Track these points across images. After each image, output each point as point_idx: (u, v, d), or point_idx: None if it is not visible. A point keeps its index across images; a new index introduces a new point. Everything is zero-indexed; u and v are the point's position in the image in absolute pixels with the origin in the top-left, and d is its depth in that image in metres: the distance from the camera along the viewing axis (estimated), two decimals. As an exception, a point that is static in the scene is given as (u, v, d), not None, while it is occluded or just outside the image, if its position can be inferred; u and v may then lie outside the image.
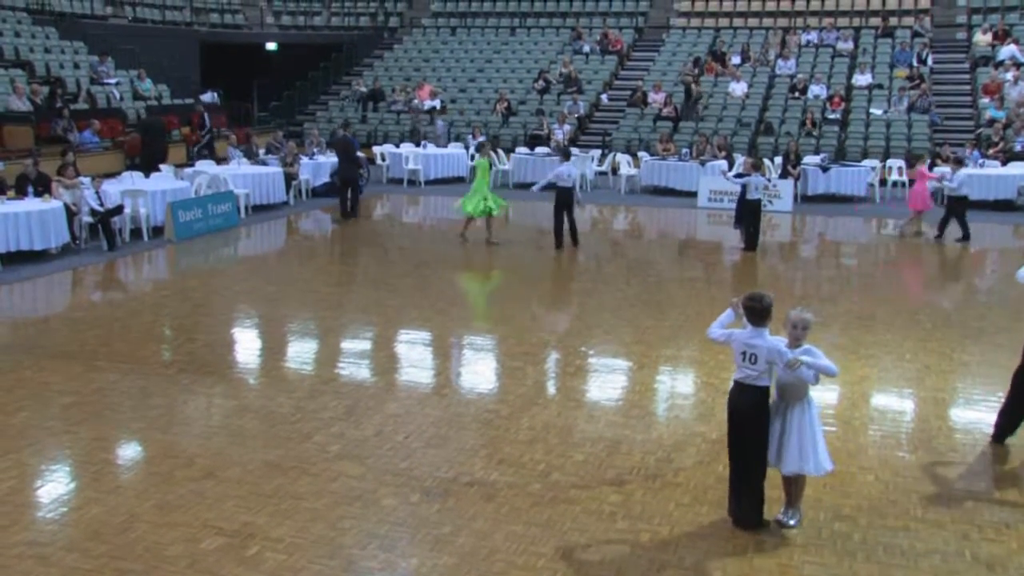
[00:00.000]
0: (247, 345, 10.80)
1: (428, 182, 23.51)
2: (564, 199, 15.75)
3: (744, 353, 6.05)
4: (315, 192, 21.52)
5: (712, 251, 16.54)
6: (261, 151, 22.28)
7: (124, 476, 7.04)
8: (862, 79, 26.35)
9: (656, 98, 26.39)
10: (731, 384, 6.26)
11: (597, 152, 24.25)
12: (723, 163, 21.38)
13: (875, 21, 29.75)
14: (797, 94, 26.15)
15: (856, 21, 29.99)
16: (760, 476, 6.15)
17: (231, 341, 10.86)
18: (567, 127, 25.51)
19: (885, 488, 6.85)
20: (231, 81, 31.66)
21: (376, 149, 24.88)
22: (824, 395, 8.68)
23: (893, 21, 29.51)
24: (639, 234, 18.78)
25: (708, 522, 6.30)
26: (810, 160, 21.91)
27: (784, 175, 20.90)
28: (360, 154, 20.31)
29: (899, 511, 6.50)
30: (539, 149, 24.05)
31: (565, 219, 15.77)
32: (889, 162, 22.56)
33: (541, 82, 28.38)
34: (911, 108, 24.83)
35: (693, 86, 26.04)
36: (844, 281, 14.02)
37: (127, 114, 23.63)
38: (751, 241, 15.51)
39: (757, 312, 6.02)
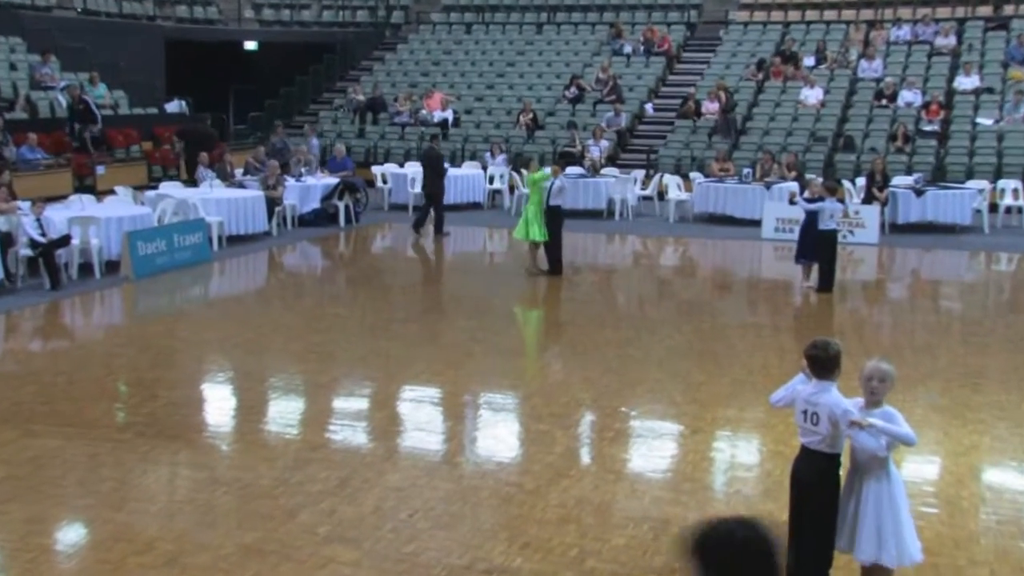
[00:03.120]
0: (219, 404, 10.83)
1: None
2: (562, 219, 16.65)
3: (805, 412, 6.04)
4: (302, 220, 21.67)
5: (780, 291, 16.50)
6: (238, 171, 22.49)
7: (65, 565, 7.04)
8: (967, 82, 26.31)
9: (711, 108, 26.52)
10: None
11: (640, 173, 24.34)
12: (793, 185, 21.39)
13: (984, 11, 29.56)
14: (884, 102, 26.18)
15: (960, 11, 29.84)
16: (824, 561, 6.11)
17: (200, 399, 10.90)
18: (604, 143, 25.64)
19: (998, 583, 6.76)
20: (202, 87, 31.99)
21: (376, 169, 25.04)
22: (921, 468, 8.61)
23: (1008, 10, 29.23)
24: (692, 271, 18.78)
25: (779, 622, 6.22)
26: (901, 182, 21.89)
27: (868, 200, 20.88)
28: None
29: (1017, 612, 6.41)
30: (571, 169, 24.07)
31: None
32: (1001, 183, 22.38)
33: (574, 89, 28.59)
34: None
35: (722, 94, 26.14)
36: (945, 329, 13.95)
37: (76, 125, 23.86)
38: (826, 280, 15.47)
39: (822, 362, 6.00)
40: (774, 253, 19.49)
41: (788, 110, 26.52)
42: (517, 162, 24.41)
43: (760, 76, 28.13)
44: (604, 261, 19.49)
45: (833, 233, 15.45)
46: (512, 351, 12.71)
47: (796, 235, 19.15)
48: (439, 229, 20.60)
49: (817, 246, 15.43)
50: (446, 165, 22.20)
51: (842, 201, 16.48)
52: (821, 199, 15.59)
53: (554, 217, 16.55)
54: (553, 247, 16.60)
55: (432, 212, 20.75)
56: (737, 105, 26.66)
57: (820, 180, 17.14)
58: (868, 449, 5.92)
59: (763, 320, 14.57)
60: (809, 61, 28.39)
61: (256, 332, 13.45)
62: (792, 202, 16.46)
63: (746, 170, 22.82)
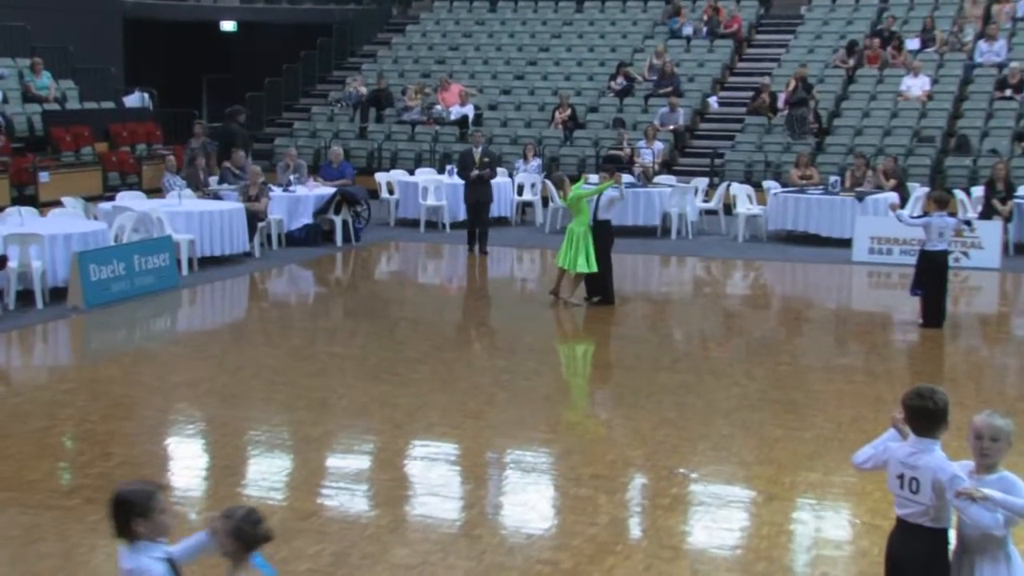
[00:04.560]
0: (187, 463, 10.87)
1: (455, 224, 23.66)
2: (611, 237, 16.72)
3: (902, 476, 5.99)
4: (291, 238, 21.74)
5: (875, 327, 16.43)
6: (212, 179, 22.60)
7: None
8: (1114, 68, 26.22)
9: (791, 102, 26.54)
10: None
11: (703, 182, 24.34)
12: (891, 196, 21.31)
13: None
14: (1009, 92, 26.07)
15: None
16: None
17: (164, 457, 10.93)
18: (658, 145, 25.65)
19: None
20: (169, 76, 32.24)
21: (381, 177, 25.15)
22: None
23: None
24: (765, 302, 18.74)
25: None
26: (1028, 192, 21.83)
27: (988, 214, 20.79)
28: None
29: None
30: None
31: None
32: None
33: (621, 80, 28.67)
34: None
35: (792, 82, 26.00)
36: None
37: (13, 123, 23.91)
38: (934, 312, 15.37)
39: (927, 415, 5.94)
40: (867, 279, 19.42)
41: (886, 104, 26.49)
42: (550, 175, 24.37)
43: (851, 62, 28.12)
44: (658, 289, 19.46)
45: (943, 255, 15.34)
46: (545, 398, 12.69)
47: (895, 257, 19.17)
48: (471, 246, 20.99)
49: (924, 271, 15.33)
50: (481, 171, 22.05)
51: (954, 215, 16.42)
52: (928, 213, 15.55)
53: (602, 234, 16.46)
54: (601, 271, 16.50)
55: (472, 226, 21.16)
56: (814, 101, 26.25)
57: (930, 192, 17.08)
58: (981, 525, 5.83)
59: (854, 362, 14.48)
60: (913, 43, 28.33)
61: (233, 375, 13.49)
62: (900, 218, 16.27)
63: (833, 178, 22.72)
